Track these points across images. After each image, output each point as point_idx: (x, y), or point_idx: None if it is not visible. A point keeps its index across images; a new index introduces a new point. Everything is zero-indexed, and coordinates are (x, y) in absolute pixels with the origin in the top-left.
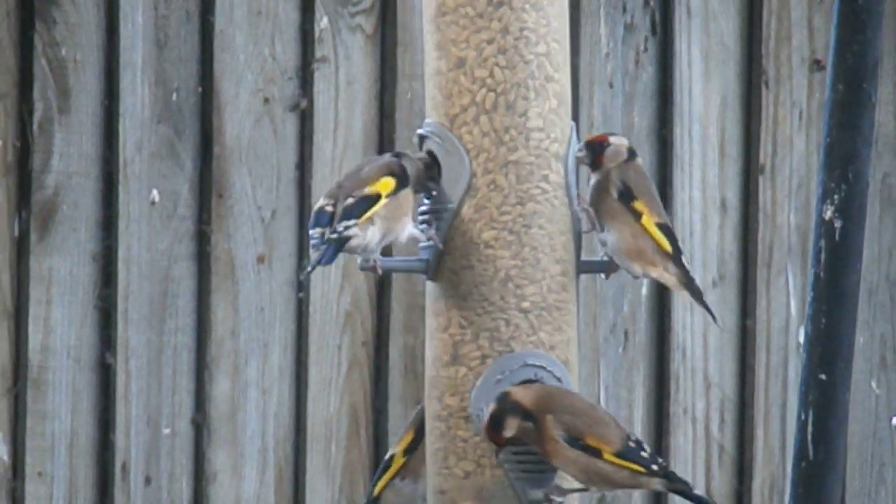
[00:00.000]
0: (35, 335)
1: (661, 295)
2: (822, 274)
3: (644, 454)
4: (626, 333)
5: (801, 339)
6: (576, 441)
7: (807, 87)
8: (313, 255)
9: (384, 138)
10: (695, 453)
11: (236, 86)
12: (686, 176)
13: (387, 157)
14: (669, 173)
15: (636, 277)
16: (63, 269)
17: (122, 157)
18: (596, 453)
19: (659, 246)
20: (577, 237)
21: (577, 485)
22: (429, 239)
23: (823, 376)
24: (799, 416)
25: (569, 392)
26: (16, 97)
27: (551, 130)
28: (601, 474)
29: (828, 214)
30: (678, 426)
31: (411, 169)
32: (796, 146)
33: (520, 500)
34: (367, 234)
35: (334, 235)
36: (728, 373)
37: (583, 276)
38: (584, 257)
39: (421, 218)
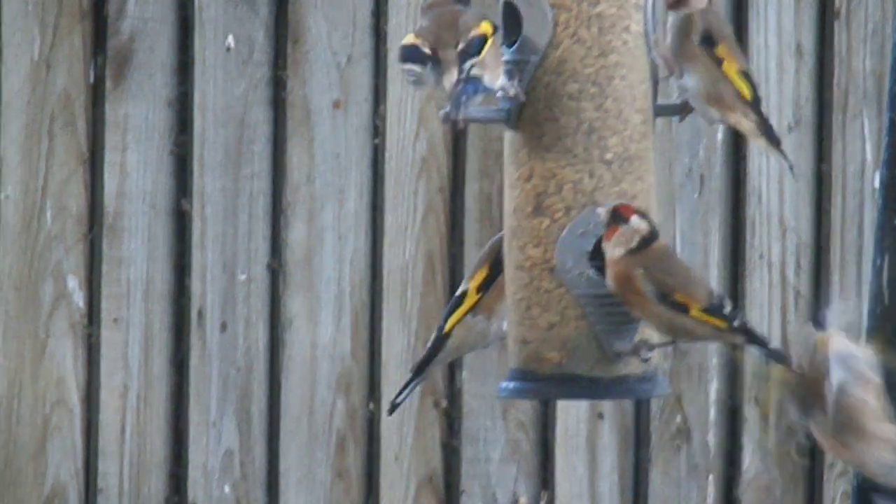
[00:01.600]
0: (111, 181)
1: (736, 140)
2: None
3: (727, 311)
4: (701, 178)
5: (877, 183)
6: (664, 297)
7: None
8: (453, 96)
9: None
10: (771, 298)
11: None
12: (762, 21)
13: (453, 5)
14: (745, 18)
15: (712, 123)
16: (138, 115)
17: (197, 2)
18: (683, 309)
19: (739, 92)
20: (655, 84)
21: (662, 338)
22: (511, 89)
23: None
24: (874, 262)
25: (665, 249)
26: None
27: None
28: (685, 328)
29: None
30: (754, 271)
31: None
32: None
33: (605, 351)
34: (484, 78)
35: (464, 75)
36: (804, 217)
37: (658, 121)
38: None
39: (504, 68)
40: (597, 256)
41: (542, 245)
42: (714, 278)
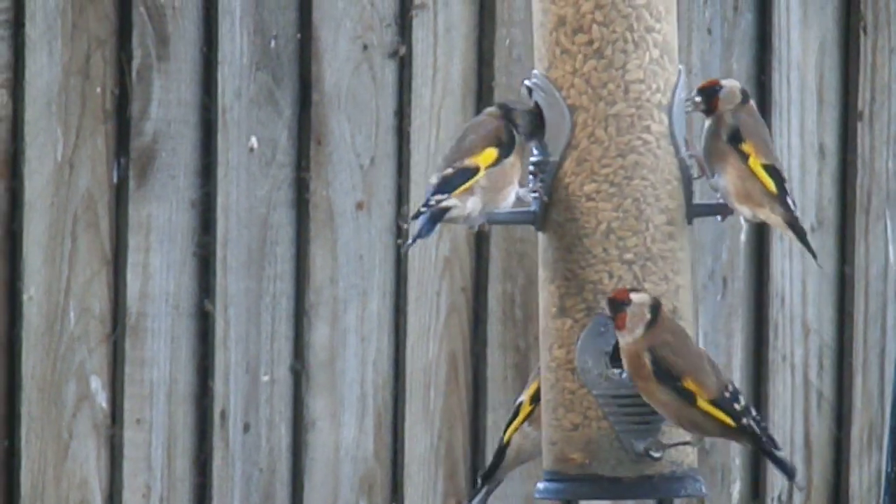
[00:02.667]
0: (134, 282)
1: (759, 241)
2: None
3: (737, 406)
4: (724, 280)
5: None
6: (672, 382)
7: None
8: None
9: (483, 85)
10: (793, 400)
11: (335, 32)
12: (784, 122)
13: (494, 119)
14: (768, 119)
15: (747, 220)
16: (162, 216)
17: (220, 104)
18: (690, 397)
19: (765, 187)
20: (687, 183)
21: (678, 439)
22: (534, 191)
23: None
24: None
25: (679, 330)
26: (115, 44)
27: (653, 81)
28: (692, 420)
29: None
30: (777, 373)
31: (523, 120)
32: (895, 92)
33: (627, 451)
34: (466, 204)
35: (425, 209)
36: (826, 319)
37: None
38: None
39: (530, 169)
40: (617, 358)
41: (565, 346)
42: (737, 380)
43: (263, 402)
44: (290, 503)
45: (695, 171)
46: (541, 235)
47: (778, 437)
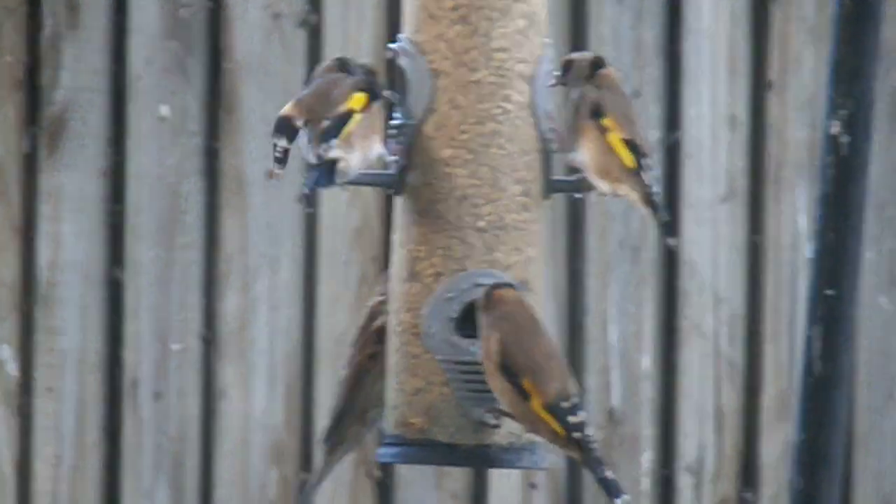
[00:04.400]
0: (44, 251)
1: (670, 210)
2: (829, 189)
3: (572, 418)
4: (635, 249)
5: (809, 254)
6: (511, 375)
7: (815, 2)
8: (306, 176)
9: None
10: (704, 369)
11: (245, 1)
12: (695, 92)
13: (339, 71)
14: (679, 89)
15: (604, 195)
16: (72, 185)
17: (131, 73)
18: (525, 396)
19: (623, 162)
20: (546, 156)
21: None
22: (394, 154)
23: (831, 292)
24: (806, 332)
25: (534, 326)
26: (25, 13)
27: (517, 51)
28: (526, 417)
29: (835, 130)
30: (687, 342)
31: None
32: (805, 61)
33: (467, 419)
34: (350, 156)
35: (318, 162)
36: (737, 288)
37: (594, 193)
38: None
39: (389, 132)
40: (464, 326)
41: (412, 310)
42: (647, 349)
43: (174, 371)
44: (201, 472)
45: (556, 145)
46: (398, 199)
47: (688, 406)
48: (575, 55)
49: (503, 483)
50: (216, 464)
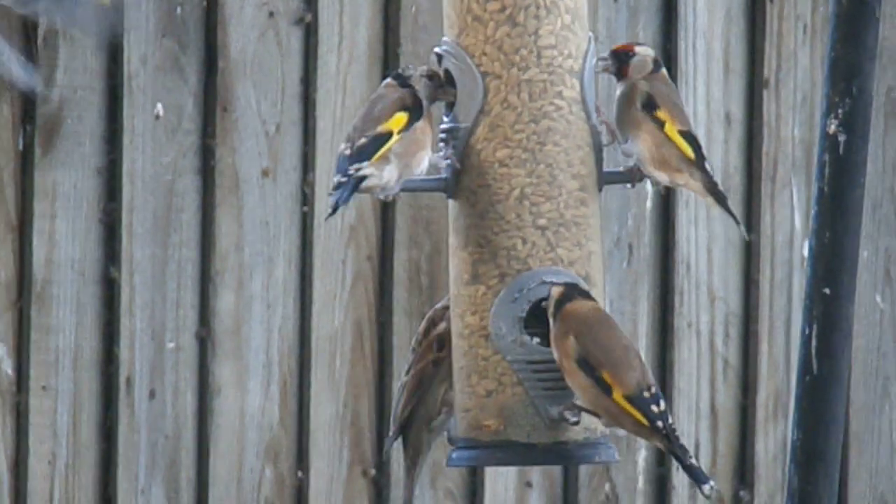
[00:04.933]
0: (39, 249)
1: (665, 208)
2: (825, 188)
3: (655, 408)
4: (630, 247)
5: (805, 253)
6: (590, 369)
7: (811, 1)
8: (331, 198)
9: (388, 52)
10: (699, 367)
11: (241, 0)
12: (690, 90)
13: (395, 89)
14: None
15: (664, 186)
16: (67, 183)
17: (126, 71)
18: (607, 389)
19: (683, 153)
20: (598, 150)
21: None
22: (446, 158)
23: (827, 290)
24: (803, 331)
25: (608, 323)
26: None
27: (564, 47)
28: (608, 410)
29: (832, 128)
30: (682, 340)
31: (422, 88)
32: (800, 60)
33: (542, 417)
34: (383, 173)
35: (345, 178)
36: (732, 287)
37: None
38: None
39: (440, 136)
40: (531, 323)
41: (478, 312)
42: (642, 347)
43: (169, 369)
44: (196, 470)
45: (604, 139)
46: (451, 203)
47: (683, 405)
48: (637, 48)
49: (498, 481)
50: (211, 462)
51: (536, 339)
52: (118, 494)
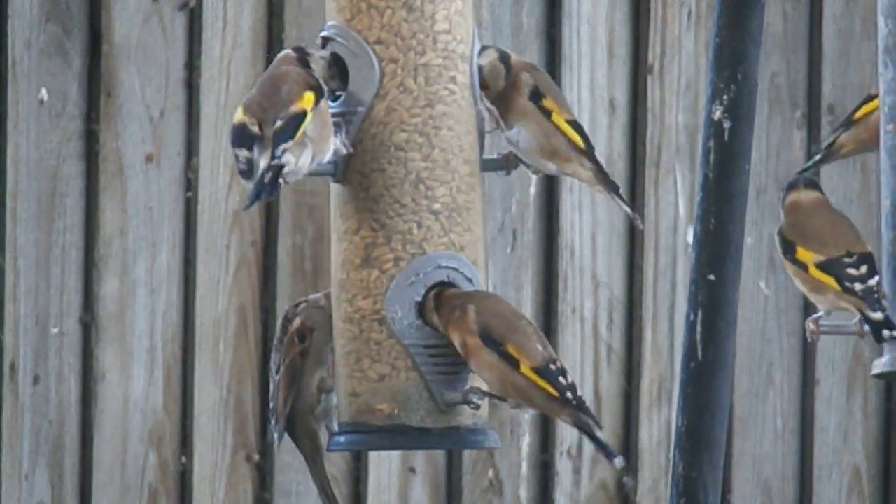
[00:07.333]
0: None
1: (549, 194)
2: (710, 174)
3: (563, 380)
4: (514, 233)
5: (690, 239)
6: (495, 344)
7: None
8: (249, 185)
9: (272, 37)
10: (583, 353)
11: None
12: (575, 76)
13: (293, 63)
14: (558, 73)
15: (540, 174)
16: None
17: (10, 56)
18: (514, 363)
19: (572, 142)
20: (482, 136)
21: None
22: (342, 143)
23: (712, 276)
24: (687, 317)
25: (499, 299)
26: None
27: (457, 32)
28: (516, 386)
29: (716, 115)
30: (566, 326)
31: (318, 70)
32: (685, 46)
33: (436, 401)
34: (300, 159)
35: (274, 162)
36: (616, 272)
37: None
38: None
39: (334, 120)
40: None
41: (371, 296)
42: None
43: (53, 355)
44: (80, 455)
45: (486, 125)
46: (338, 187)
47: None
48: (480, 61)
49: (382, 467)
50: (95, 447)
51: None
52: (1, 479)
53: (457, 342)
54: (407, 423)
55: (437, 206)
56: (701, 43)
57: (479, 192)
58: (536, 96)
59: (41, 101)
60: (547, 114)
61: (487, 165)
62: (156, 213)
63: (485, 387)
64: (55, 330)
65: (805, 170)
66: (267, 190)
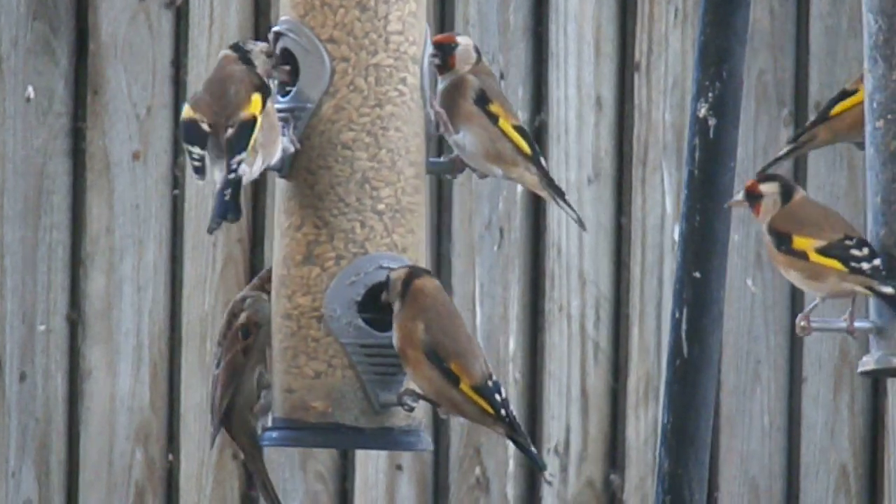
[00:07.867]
0: None
1: (536, 193)
2: (696, 172)
3: (498, 396)
4: (501, 231)
5: (676, 236)
6: (439, 360)
7: None
8: (200, 180)
9: (259, 35)
10: (570, 350)
11: None
12: (562, 73)
13: (236, 63)
14: (545, 71)
15: (489, 177)
16: None
17: None
18: (454, 380)
19: (518, 147)
20: (429, 139)
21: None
22: (290, 140)
23: (698, 274)
24: (673, 314)
25: (452, 308)
26: None
27: (410, 33)
28: (452, 400)
29: (702, 112)
30: (553, 324)
31: (260, 65)
32: (672, 43)
33: (371, 402)
34: (253, 168)
35: (231, 176)
36: (603, 270)
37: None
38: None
39: (281, 115)
40: (366, 307)
41: (310, 293)
42: (513, 331)
43: (39, 352)
44: (67, 453)
45: (433, 128)
46: (284, 183)
47: (554, 388)
48: (459, 38)
49: (369, 464)
50: (82, 445)
51: (369, 325)
52: None
53: (396, 341)
54: (341, 421)
55: (381, 206)
56: (688, 40)
57: (424, 195)
58: (483, 101)
59: (28, 99)
60: (493, 118)
61: (433, 168)
62: (142, 210)
63: (420, 390)
64: (42, 327)
65: (775, 161)
66: (233, 209)
